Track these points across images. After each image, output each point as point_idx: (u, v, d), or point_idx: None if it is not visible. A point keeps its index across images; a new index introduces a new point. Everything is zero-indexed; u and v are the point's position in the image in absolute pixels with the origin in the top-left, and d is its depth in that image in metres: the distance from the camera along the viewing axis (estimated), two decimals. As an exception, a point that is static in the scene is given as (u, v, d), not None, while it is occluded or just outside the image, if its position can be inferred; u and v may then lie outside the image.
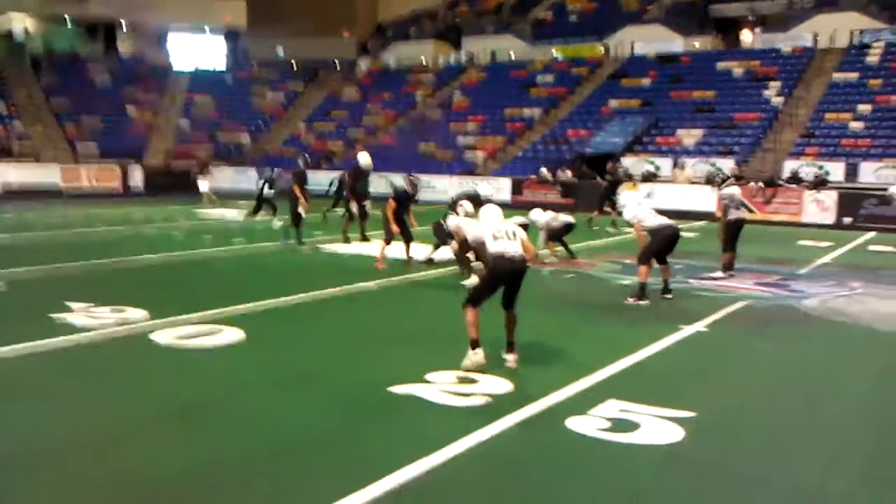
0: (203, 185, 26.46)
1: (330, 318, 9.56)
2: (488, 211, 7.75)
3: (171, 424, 5.73)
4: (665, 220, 10.85)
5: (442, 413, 5.94)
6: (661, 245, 10.74)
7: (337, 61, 45.83)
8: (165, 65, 44.80)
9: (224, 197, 27.42)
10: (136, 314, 8.95)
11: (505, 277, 7.31)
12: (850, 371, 7.67)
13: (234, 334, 8.15)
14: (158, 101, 40.94)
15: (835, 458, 5.38)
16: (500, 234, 7.35)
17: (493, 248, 7.27)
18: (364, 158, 16.75)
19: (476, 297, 7.29)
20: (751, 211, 14.07)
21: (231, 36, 47.62)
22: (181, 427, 5.68)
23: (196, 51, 48.03)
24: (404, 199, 13.56)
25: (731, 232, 12.77)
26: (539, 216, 14.33)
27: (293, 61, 46.07)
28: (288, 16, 46.33)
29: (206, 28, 47.85)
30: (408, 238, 13.51)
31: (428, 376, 6.72)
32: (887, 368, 7.76)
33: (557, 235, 14.36)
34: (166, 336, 8.00)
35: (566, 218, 14.47)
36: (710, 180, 14.82)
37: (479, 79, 39.47)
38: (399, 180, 14.61)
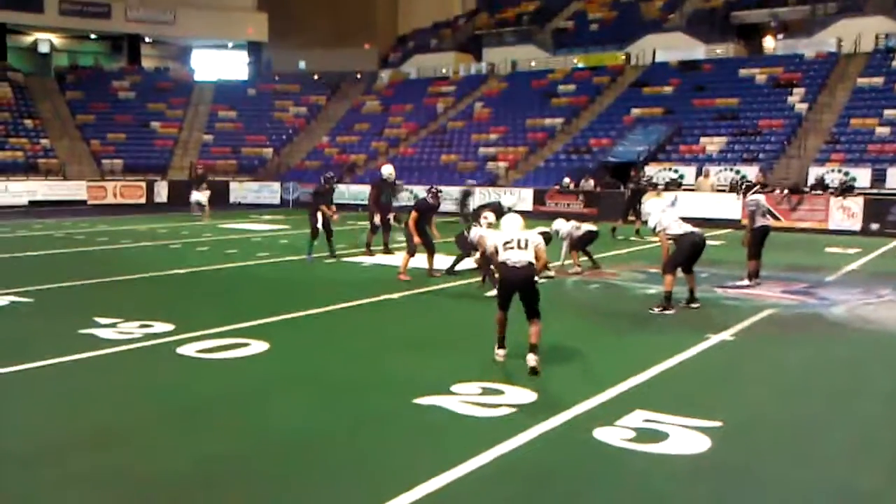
0: (197, 196, 26.26)
1: (354, 329, 9.58)
2: (508, 221, 7.95)
3: (190, 432, 5.75)
4: (690, 228, 10.78)
5: (467, 424, 5.93)
6: (686, 254, 10.65)
7: (358, 73, 46.10)
8: (189, 79, 45.31)
9: (247, 208, 27.59)
10: (163, 328, 9.02)
11: (510, 285, 7.57)
12: (877, 377, 7.58)
13: (259, 346, 8.19)
14: (182, 115, 41.37)
15: (862, 463, 5.31)
16: (511, 243, 7.55)
17: (501, 256, 7.57)
18: (387, 170, 16.79)
19: (499, 304, 7.73)
20: (776, 218, 13.98)
21: (253, 49, 48.08)
22: (200, 433, 5.70)
23: (219, 64, 48.56)
24: (426, 211, 13.59)
25: (757, 239, 12.67)
26: (562, 226, 14.30)
27: (315, 74, 46.42)
28: (309, 29, 46.74)
29: (229, 43, 48.38)
30: (431, 249, 13.53)
31: (453, 387, 6.71)
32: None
33: (581, 245, 14.31)
34: (192, 349, 8.06)
35: (588, 227, 14.42)
36: (734, 188, 14.71)
37: (500, 89, 39.53)
38: (422, 192, 14.67)
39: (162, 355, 7.92)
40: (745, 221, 13.02)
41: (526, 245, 7.51)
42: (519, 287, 7.47)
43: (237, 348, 8.13)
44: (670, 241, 10.75)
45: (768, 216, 13.06)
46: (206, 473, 5.06)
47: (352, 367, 7.69)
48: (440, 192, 14.13)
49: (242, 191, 35.08)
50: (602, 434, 5.69)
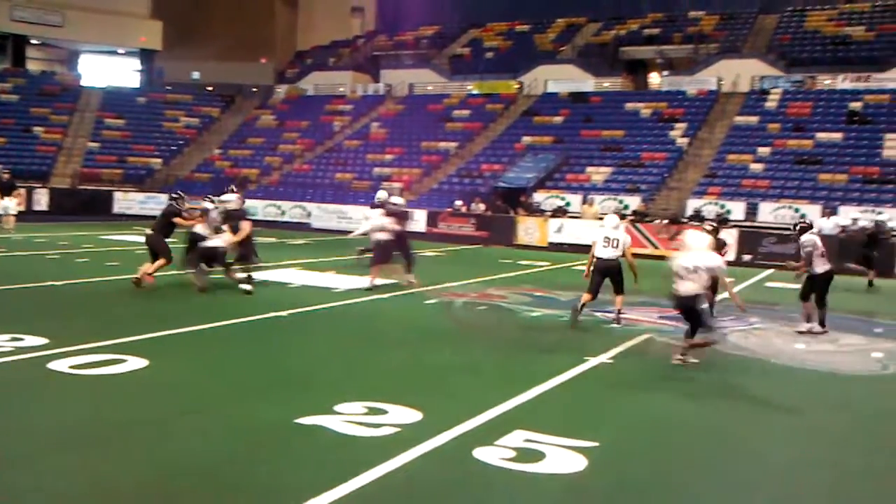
0: (5, 203, 23.43)
1: (238, 346, 9.43)
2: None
3: (62, 454, 5.54)
4: (610, 254, 11.56)
5: (349, 444, 5.93)
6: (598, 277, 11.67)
7: (254, 87, 45.45)
8: (76, 84, 43.53)
9: (130, 220, 26.70)
10: (35, 342, 8.64)
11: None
12: (746, 399, 8.02)
13: (137, 363, 7.95)
14: (67, 121, 39.71)
15: (736, 482, 5.62)
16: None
17: None
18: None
19: None
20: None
21: (146, 57, 46.71)
22: (72, 457, 5.50)
23: (109, 70, 46.91)
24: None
25: (822, 286, 11.81)
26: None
27: (209, 85, 45.46)
28: (205, 39, 45.82)
29: (120, 49, 46.84)
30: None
31: (336, 407, 6.71)
32: (775, 399, 8.13)
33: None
34: (65, 364, 7.75)
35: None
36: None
37: (397, 110, 39.78)
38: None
39: (31, 370, 7.58)
40: (801, 266, 12.09)
41: None
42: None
43: (113, 364, 7.87)
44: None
45: (825, 258, 11.93)
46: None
47: (232, 384, 7.57)
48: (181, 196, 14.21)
49: (127, 201, 33.91)
50: (482, 454, 5.80)
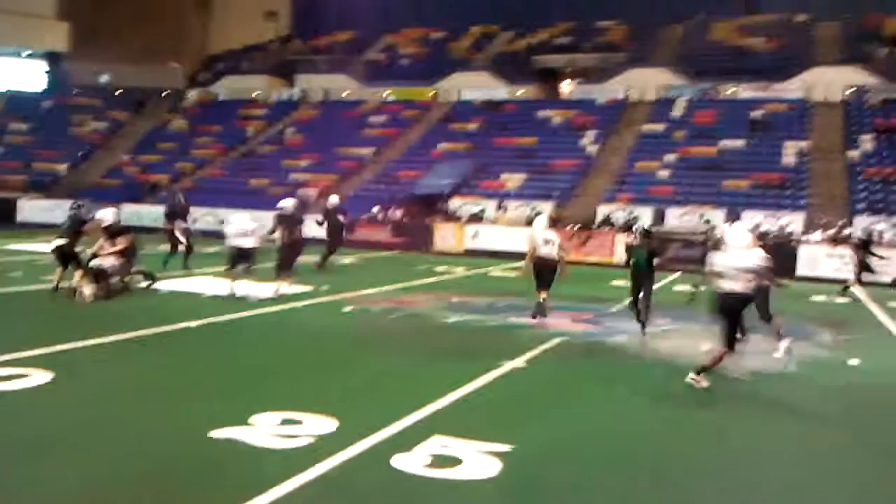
0: None
1: (147, 359, 9.22)
2: None
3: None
4: (548, 252, 12.50)
5: (264, 456, 5.89)
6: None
7: (164, 91, 44.37)
8: (-24, 86, 41.70)
9: (36, 228, 25.72)
10: (-71, 358, 8.27)
11: None
12: (653, 401, 8.30)
13: (41, 377, 7.70)
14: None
15: (644, 488, 5.83)
16: None
17: None
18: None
19: None
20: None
21: (52, 59, 45.03)
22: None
23: (12, 73, 45.03)
24: None
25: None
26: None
27: (118, 89, 44.16)
28: (113, 42, 44.47)
29: (24, 51, 45.03)
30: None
31: (251, 418, 6.65)
32: (688, 394, 8.46)
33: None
34: (-36, 381, 7.45)
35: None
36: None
37: (312, 116, 39.48)
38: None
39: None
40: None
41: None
42: None
43: (15, 379, 7.60)
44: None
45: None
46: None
47: (143, 398, 7.40)
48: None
49: (32, 209, 32.63)
50: (400, 461, 5.85)
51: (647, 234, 12.26)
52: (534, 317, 12.50)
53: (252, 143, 38.20)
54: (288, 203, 15.43)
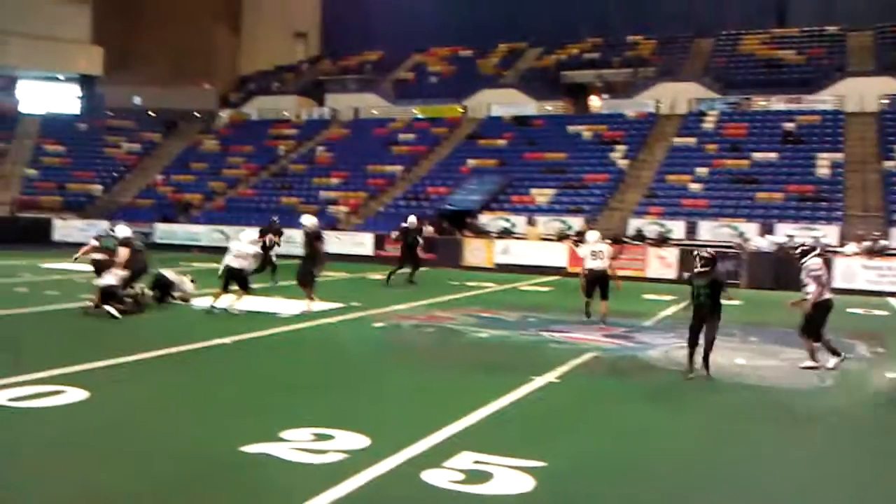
0: None
1: (181, 374, 9.29)
2: None
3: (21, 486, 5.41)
4: (598, 264, 13.55)
5: (296, 471, 5.90)
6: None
7: (197, 112, 45.03)
8: (14, 110, 42.55)
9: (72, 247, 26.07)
10: (-32, 375, 8.39)
11: None
12: (691, 414, 8.19)
13: (77, 394, 7.79)
14: (6, 149, 38.78)
15: (679, 495, 5.73)
16: None
17: None
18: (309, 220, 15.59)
19: None
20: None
21: (86, 82, 45.92)
22: (6, 493, 5.38)
23: (48, 96, 46.01)
24: None
25: (823, 316, 10.47)
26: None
27: (151, 110, 44.90)
28: (146, 65, 45.27)
29: (60, 75, 45.98)
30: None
31: (283, 433, 6.66)
32: (721, 409, 8.35)
33: None
34: (4, 397, 7.54)
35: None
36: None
37: (342, 135, 39.77)
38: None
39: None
40: (806, 294, 10.51)
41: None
42: None
43: (54, 396, 7.69)
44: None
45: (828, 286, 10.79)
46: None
47: (176, 414, 7.46)
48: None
49: (67, 228, 33.19)
50: (431, 476, 5.82)
51: (709, 263, 9.67)
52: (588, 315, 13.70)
53: (283, 161, 38.56)
54: (309, 220, 15.39)
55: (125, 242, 13.79)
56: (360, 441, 6.61)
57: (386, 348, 11.58)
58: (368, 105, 42.03)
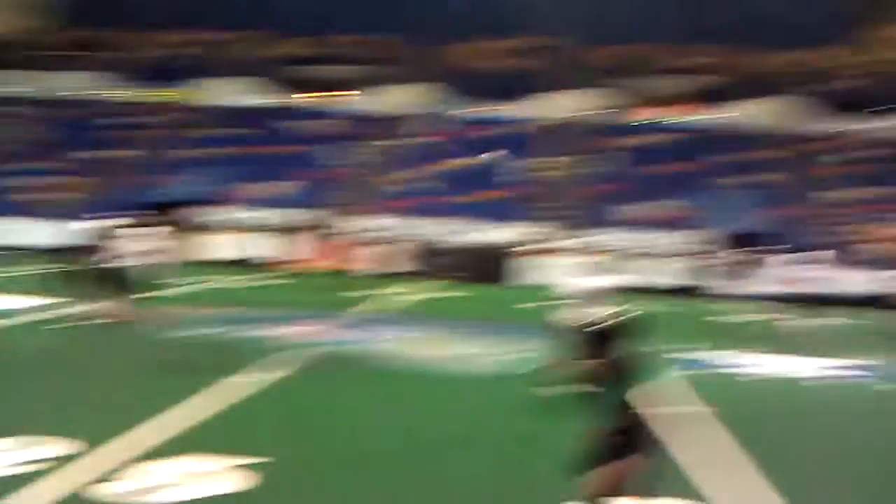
0: None
1: None
2: None
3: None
4: None
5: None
6: None
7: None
8: None
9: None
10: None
11: None
12: (396, 402, 8.77)
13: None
14: None
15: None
16: None
17: None
18: None
19: None
20: None
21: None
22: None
23: None
24: None
25: None
26: None
27: None
28: None
29: None
30: None
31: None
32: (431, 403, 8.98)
33: None
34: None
35: None
36: None
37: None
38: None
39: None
40: None
41: None
42: None
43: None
44: None
45: None
46: None
47: None
48: None
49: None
50: (118, 487, 5.58)
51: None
52: None
53: None
54: None
55: None
56: (65, 448, 6.25)
57: (68, 357, 10.60)
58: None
